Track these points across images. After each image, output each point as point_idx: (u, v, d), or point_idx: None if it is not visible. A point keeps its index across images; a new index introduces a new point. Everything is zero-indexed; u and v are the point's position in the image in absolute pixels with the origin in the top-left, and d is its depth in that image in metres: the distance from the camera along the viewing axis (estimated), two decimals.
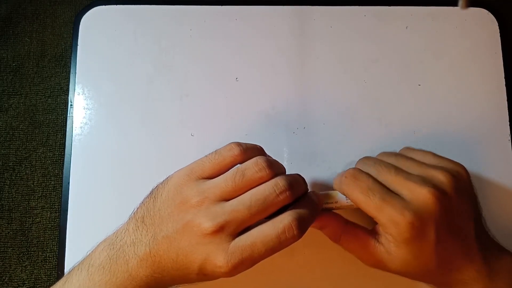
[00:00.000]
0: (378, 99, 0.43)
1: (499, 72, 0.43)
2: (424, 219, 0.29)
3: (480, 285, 0.31)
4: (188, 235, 0.29)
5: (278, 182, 0.29)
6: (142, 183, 0.40)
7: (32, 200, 0.42)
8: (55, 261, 0.41)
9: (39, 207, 0.42)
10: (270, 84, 0.43)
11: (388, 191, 0.30)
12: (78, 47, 0.44)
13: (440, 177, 0.31)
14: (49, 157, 0.43)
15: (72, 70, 0.43)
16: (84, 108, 0.42)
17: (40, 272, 0.41)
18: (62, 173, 0.42)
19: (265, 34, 0.44)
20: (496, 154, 0.41)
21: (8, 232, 0.41)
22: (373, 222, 0.32)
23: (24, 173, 0.43)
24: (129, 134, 0.42)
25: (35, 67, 0.45)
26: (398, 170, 0.31)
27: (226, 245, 0.28)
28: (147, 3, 0.45)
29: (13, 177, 0.43)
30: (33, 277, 0.41)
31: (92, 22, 0.44)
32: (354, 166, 0.34)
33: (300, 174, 0.33)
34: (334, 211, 0.34)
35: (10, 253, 0.41)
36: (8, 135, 0.44)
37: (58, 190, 0.42)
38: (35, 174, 0.43)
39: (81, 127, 0.42)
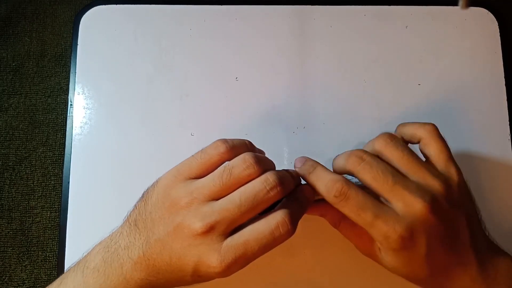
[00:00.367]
0: (378, 99, 0.43)
1: (499, 72, 0.43)
2: (415, 232, 0.29)
3: None
4: (180, 237, 0.28)
5: (268, 178, 0.28)
6: (142, 183, 0.40)
7: (32, 200, 0.42)
8: (55, 260, 0.41)
9: (39, 206, 0.42)
10: (270, 84, 0.43)
11: (379, 205, 0.29)
12: (78, 46, 0.44)
13: (437, 187, 0.30)
14: (49, 157, 0.43)
15: (72, 70, 0.43)
16: (84, 108, 0.42)
17: (40, 272, 0.41)
18: (62, 172, 0.42)
19: (265, 34, 0.44)
20: (496, 154, 0.41)
21: (8, 232, 0.41)
22: None
23: (24, 172, 0.43)
24: (129, 134, 0.42)
25: (35, 67, 0.45)
26: (395, 178, 0.30)
27: (218, 245, 0.28)
28: (147, 3, 0.45)
29: (13, 177, 0.43)
30: (33, 277, 0.41)
31: (92, 21, 0.44)
32: (346, 159, 0.32)
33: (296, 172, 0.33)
34: None
35: (10, 253, 0.41)
36: (8, 135, 0.44)
37: (58, 190, 0.42)
38: (35, 173, 0.43)
39: (81, 127, 0.42)
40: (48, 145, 0.43)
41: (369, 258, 0.33)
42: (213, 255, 0.27)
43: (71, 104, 0.43)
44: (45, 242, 0.41)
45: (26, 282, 0.40)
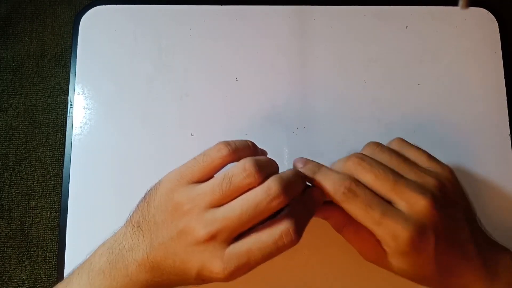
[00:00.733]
0: (378, 99, 0.43)
1: (499, 72, 0.43)
2: (424, 232, 0.29)
3: (479, 286, 0.31)
4: (183, 243, 0.28)
5: (271, 187, 0.27)
6: (142, 183, 0.40)
7: (32, 200, 0.42)
8: (55, 261, 0.41)
9: (39, 207, 0.42)
10: (270, 84, 0.43)
11: (386, 204, 0.29)
12: (78, 47, 0.44)
13: (433, 183, 0.30)
14: (49, 157, 0.43)
15: (72, 70, 0.43)
16: (84, 108, 0.42)
17: (40, 272, 0.41)
18: (62, 173, 0.42)
19: (265, 34, 0.44)
20: (496, 154, 0.41)
21: (8, 232, 0.41)
22: None
23: (24, 173, 0.43)
24: (129, 134, 0.42)
25: (35, 67, 0.45)
26: (395, 176, 0.30)
27: (221, 252, 0.28)
28: (147, 3, 0.45)
29: (13, 177, 0.43)
30: (33, 277, 0.41)
31: (92, 22, 0.44)
32: (344, 162, 0.32)
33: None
34: None
35: (10, 253, 0.41)
36: (8, 135, 0.44)
37: (58, 190, 0.42)
38: (35, 174, 0.43)
39: (81, 127, 0.42)
40: (48, 145, 0.43)
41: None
42: (216, 262, 0.27)
43: (71, 104, 0.43)
44: (45, 243, 0.41)
45: (26, 282, 0.40)
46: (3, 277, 0.40)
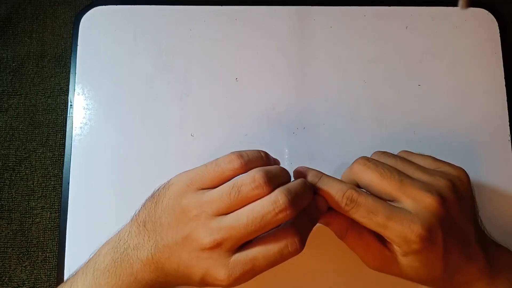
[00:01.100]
0: (378, 99, 0.43)
1: (499, 72, 0.43)
2: (432, 229, 0.29)
3: (482, 283, 0.31)
4: (187, 248, 0.28)
5: (278, 199, 0.27)
6: (142, 183, 0.40)
7: (32, 200, 0.42)
8: (55, 261, 0.41)
9: (39, 207, 0.42)
10: (270, 84, 0.43)
11: (390, 207, 0.29)
12: (78, 47, 0.44)
13: (441, 183, 0.30)
14: (49, 157, 0.43)
15: (72, 70, 0.43)
16: (84, 108, 0.42)
17: (40, 273, 0.41)
18: (62, 173, 0.42)
19: (265, 34, 0.44)
20: (496, 154, 0.41)
21: (8, 232, 0.41)
22: None
23: (24, 173, 0.43)
24: (129, 134, 0.42)
25: (35, 67, 0.45)
26: (401, 175, 0.30)
27: (226, 260, 0.28)
28: (147, 3, 0.45)
29: (13, 177, 0.43)
30: (33, 277, 0.40)
31: (92, 22, 0.45)
32: (352, 166, 0.33)
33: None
34: None
35: (10, 253, 0.41)
36: (8, 135, 0.44)
37: (58, 190, 0.42)
38: (35, 174, 0.43)
39: (81, 127, 0.42)
40: (48, 145, 0.43)
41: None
42: (221, 270, 0.28)
43: (71, 105, 0.43)
44: (45, 243, 0.41)
45: (26, 282, 0.40)
46: (3, 278, 0.40)
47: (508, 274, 0.31)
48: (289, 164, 0.41)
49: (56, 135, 0.44)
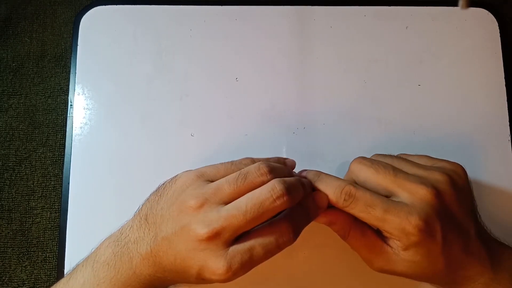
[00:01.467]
0: (378, 99, 0.43)
1: (499, 72, 0.43)
2: (429, 220, 0.29)
3: (485, 278, 0.31)
4: (185, 239, 0.28)
5: (275, 186, 0.28)
6: (142, 183, 0.40)
7: (32, 200, 0.42)
8: (55, 261, 0.41)
9: (39, 207, 0.42)
10: (270, 84, 0.43)
11: (387, 200, 0.30)
12: (78, 47, 0.44)
13: (437, 176, 0.31)
14: (49, 157, 0.43)
15: (72, 70, 0.43)
16: (84, 108, 0.42)
17: (40, 272, 0.41)
18: (62, 173, 0.42)
19: (265, 34, 0.44)
20: (496, 154, 0.41)
21: (8, 232, 0.41)
22: None
23: (24, 173, 0.43)
24: (129, 134, 0.42)
25: (35, 67, 0.45)
26: (396, 170, 0.31)
27: (223, 251, 0.28)
28: (147, 3, 0.45)
29: (13, 177, 0.43)
30: (33, 277, 0.41)
31: (92, 22, 0.45)
32: (350, 166, 0.34)
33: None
34: None
35: (10, 253, 0.41)
36: (8, 135, 0.44)
37: (58, 190, 0.42)
38: (35, 174, 0.43)
39: (81, 127, 0.42)
40: (48, 145, 0.43)
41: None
42: (219, 261, 0.27)
43: (71, 105, 0.43)
44: (45, 243, 0.41)
45: (26, 282, 0.40)
46: (3, 278, 0.40)
47: (510, 269, 0.31)
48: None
49: (56, 135, 0.44)
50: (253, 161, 0.32)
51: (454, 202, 0.31)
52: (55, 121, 0.44)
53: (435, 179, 0.31)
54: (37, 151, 0.43)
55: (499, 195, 0.41)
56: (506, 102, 0.43)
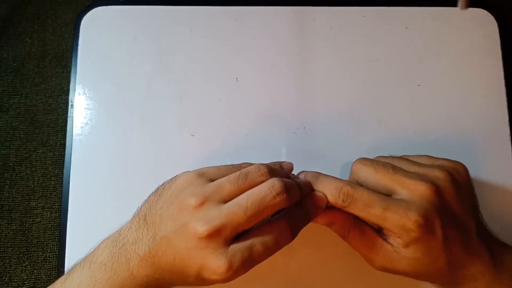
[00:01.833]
0: (378, 99, 0.43)
1: (499, 72, 0.43)
2: (428, 216, 0.29)
3: (487, 277, 0.31)
4: (185, 238, 0.28)
5: (275, 183, 0.29)
6: (142, 183, 0.40)
7: (32, 200, 0.42)
8: (55, 261, 0.41)
9: (39, 207, 0.42)
10: (270, 84, 0.43)
11: (386, 198, 0.30)
12: (79, 47, 0.44)
13: (437, 173, 0.31)
14: (49, 157, 0.43)
15: (72, 71, 0.43)
16: (84, 108, 0.42)
17: (40, 272, 0.41)
18: (62, 173, 0.42)
19: (265, 34, 0.44)
20: (496, 154, 0.41)
21: (8, 232, 0.41)
22: None
23: (24, 173, 0.43)
24: (129, 134, 0.42)
25: (36, 68, 0.45)
26: (395, 168, 0.31)
27: (223, 250, 0.27)
28: (147, 3, 0.45)
29: (13, 177, 0.43)
30: (33, 277, 0.41)
31: (93, 22, 0.45)
32: (351, 167, 0.34)
33: (301, 177, 0.33)
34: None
35: (10, 253, 0.41)
36: (9, 135, 0.44)
37: (58, 190, 0.42)
38: (35, 174, 0.43)
39: (81, 127, 0.42)
40: (49, 145, 0.43)
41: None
42: (219, 260, 0.27)
43: (71, 105, 0.43)
44: (45, 243, 0.41)
45: (26, 282, 0.40)
46: (4, 277, 0.40)
47: (511, 272, 0.31)
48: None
49: (57, 135, 0.44)
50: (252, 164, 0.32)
51: (454, 199, 0.31)
52: (56, 121, 0.44)
53: (434, 176, 0.31)
54: (37, 151, 0.43)
55: (499, 195, 0.41)
56: (506, 102, 0.43)
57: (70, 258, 0.39)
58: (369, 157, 0.36)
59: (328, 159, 0.41)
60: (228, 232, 0.28)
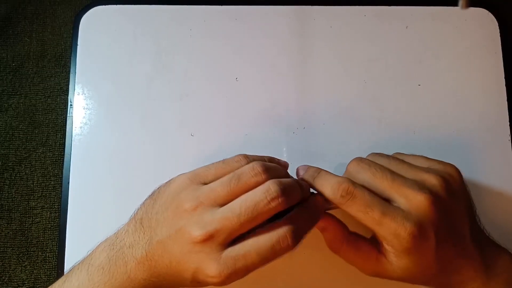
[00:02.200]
0: (378, 99, 0.43)
1: (499, 72, 0.43)
2: (424, 227, 0.29)
3: (477, 283, 0.31)
4: (180, 242, 0.28)
5: (270, 188, 0.28)
6: (142, 183, 0.40)
7: (32, 200, 0.42)
8: (55, 261, 0.41)
9: (39, 207, 0.42)
10: (270, 84, 0.43)
11: (386, 204, 0.30)
12: (78, 47, 0.44)
13: (433, 180, 0.31)
14: (49, 157, 0.43)
15: (71, 70, 0.43)
16: (84, 108, 0.42)
17: (40, 272, 0.41)
18: (62, 173, 0.42)
19: (265, 34, 0.44)
20: (496, 154, 0.41)
21: (8, 232, 0.41)
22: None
23: (24, 173, 0.43)
24: (129, 134, 0.42)
25: (35, 67, 0.45)
26: (393, 174, 0.31)
27: (217, 255, 0.27)
28: (147, 3, 0.45)
29: (13, 177, 0.43)
30: (33, 277, 0.41)
31: (92, 22, 0.44)
32: (346, 167, 0.33)
33: (302, 179, 0.33)
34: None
35: (10, 253, 0.41)
36: (8, 135, 0.44)
37: (58, 190, 0.42)
38: (35, 174, 0.43)
39: (81, 127, 0.42)
40: (48, 145, 0.43)
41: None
42: (212, 265, 0.27)
43: (71, 105, 0.43)
44: (45, 243, 0.41)
45: (26, 282, 0.40)
46: (3, 277, 0.40)
47: (505, 276, 0.31)
48: (289, 164, 0.41)
49: (56, 134, 0.44)
50: (246, 157, 0.31)
51: (449, 207, 0.30)
52: (55, 121, 0.44)
53: (431, 183, 0.30)
54: (37, 151, 0.43)
55: (499, 195, 0.41)
56: (506, 102, 0.43)
57: (70, 258, 0.39)
58: None
59: (328, 159, 0.41)
60: (222, 238, 0.27)
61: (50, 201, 0.42)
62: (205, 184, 0.30)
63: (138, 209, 0.32)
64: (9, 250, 0.41)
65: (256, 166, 0.29)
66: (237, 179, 0.29)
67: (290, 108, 0.42)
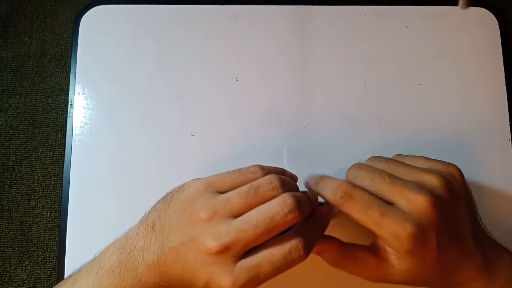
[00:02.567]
0: (378, 99, 0.43)
1: (499, 72, 0.43)
2: (424, 228, 0.29)
3: (479, 283, 0.31)
4: (194, 251, 0.28)
5: (287, 200, 0.28)
6: (142, 183, 0.40)
7: (32, 200, 0.42)
8: (55, 261, 0.41)
9: (39, 207, 0.42)
10: (270, 84, 0.43)
11: (385, 204, 0.30)
12: (78, 46, 0.44)
13: (434, 181, 0.31)
14: (49, 157, 0.43)
15: (72, 70, 0.43)
16: (84, 108, 0.42)
17: (40, 272, 0.41)
18: (62, 173, 0.42)
19: (265, 34, 0.44)
20: (497, 154, 0.41)
21: (8, 232, 0.41)
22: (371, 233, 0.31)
23: (24, 173, 0.43)
24: (129, 134, 0.42)
25: (35, 67, 0.45)
26: (392, 177, 0.31)
27: (231, 267, 0.27)
28: (147, 2, 0.45)
29: (13, 177, 0.43)
30: (33, 277, 0.41)
31: (92, 21, 0.45)
32: (346, 174, 0.34)
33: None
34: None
35: (10, 253, 0.41)
36: (8, 135, 0.44)
37: (58, 190, 0.42)
38: (35, 174, 0.43)
39: (81, 127, 0.42)
40: (48, 145, 0.43)
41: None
42: (226, 276, 0.27)
43: (71, 104, 0.43)
44: (45, 242, 0.41)
45: (26, 282, 0.40)
46: (3, 277, 0.41)
47: (506, 276, 0.31)
48: (289, 164, 0.41)
49: (56, 134, 0.44)
50: (263, 169, 0.31)
51: (451, 208, 0.30)
52: (55, 121, 0.44)
53: (432, 184, 0.30)
54: (37, 151, 0.43)
55: (499, 195, 0.41)
56: (507, 102, 0.43)
57: (70, 258, 0.39)
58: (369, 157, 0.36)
59: (328, 159, 0.41)
60: (237, 249, 0.27)
61: (51, 201, 0.42)
62: (220, 192, 0.30)
63: (149, 212, 0.32)
64: (9, 250, 0.41)
65: (274, 180, 0.29)
66: (255, 191, 0.29)
67: (290, 108, 0.42)
